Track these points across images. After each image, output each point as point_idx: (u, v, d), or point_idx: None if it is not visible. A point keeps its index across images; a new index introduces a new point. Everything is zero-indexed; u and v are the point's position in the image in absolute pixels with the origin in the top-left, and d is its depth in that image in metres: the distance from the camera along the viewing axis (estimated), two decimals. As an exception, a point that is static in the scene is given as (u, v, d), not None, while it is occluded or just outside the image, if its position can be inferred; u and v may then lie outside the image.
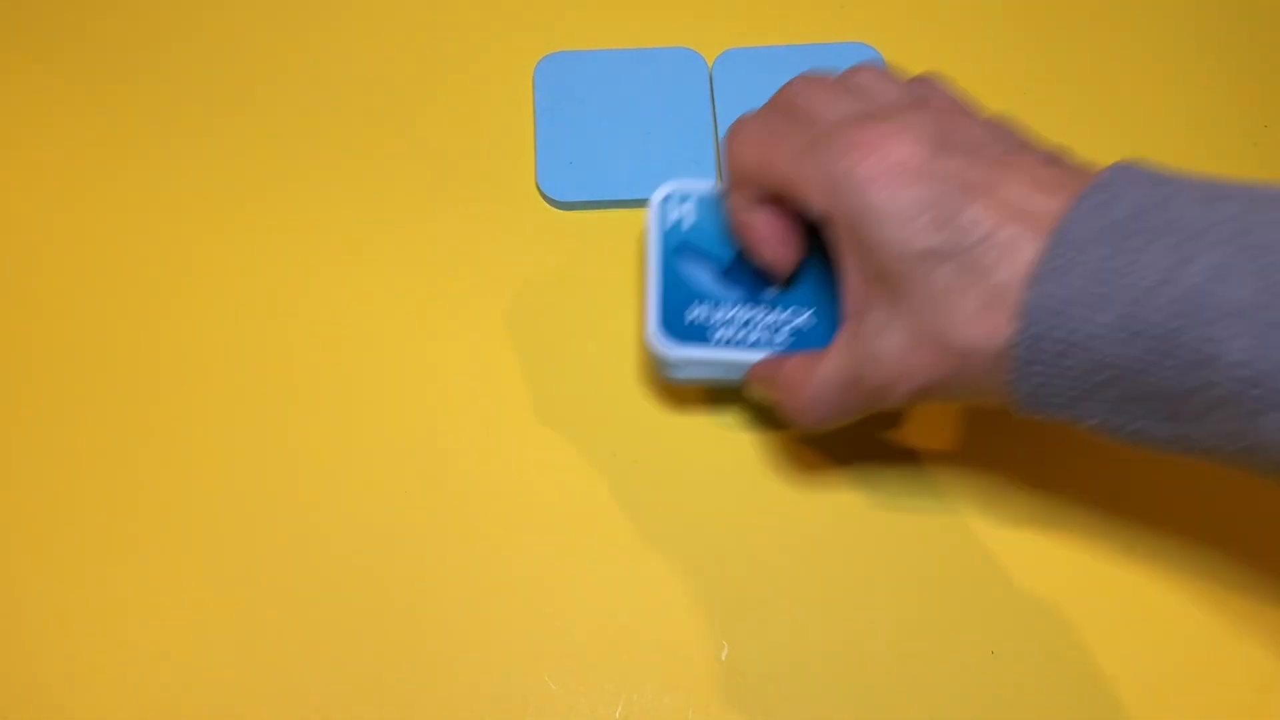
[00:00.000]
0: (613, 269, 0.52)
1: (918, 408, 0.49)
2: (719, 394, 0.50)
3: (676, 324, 0.45)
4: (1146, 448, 0.38)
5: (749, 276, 0.46)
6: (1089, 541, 0.47)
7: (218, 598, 0.46)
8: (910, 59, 0.55)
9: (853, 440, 0.49)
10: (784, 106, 0.43)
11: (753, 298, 0.46)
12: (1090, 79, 0.56)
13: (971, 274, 0.37)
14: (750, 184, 0.43)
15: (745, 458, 0.49)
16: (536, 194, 0.53)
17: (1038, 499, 0.48)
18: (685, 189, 0.48)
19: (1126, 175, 0.37)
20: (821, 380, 0.42)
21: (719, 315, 0.45)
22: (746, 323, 0.45)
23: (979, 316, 0.37)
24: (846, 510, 0.48)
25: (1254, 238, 0.34)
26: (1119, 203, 0.36)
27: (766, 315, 0.45)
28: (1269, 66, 0.56)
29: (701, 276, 0.46)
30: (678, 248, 0.47)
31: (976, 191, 0.38)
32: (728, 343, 0.45)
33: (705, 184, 0.48)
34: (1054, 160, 0.40)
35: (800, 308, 0.45)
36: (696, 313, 0.46)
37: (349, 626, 0.46)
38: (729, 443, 0.49)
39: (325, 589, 0.46)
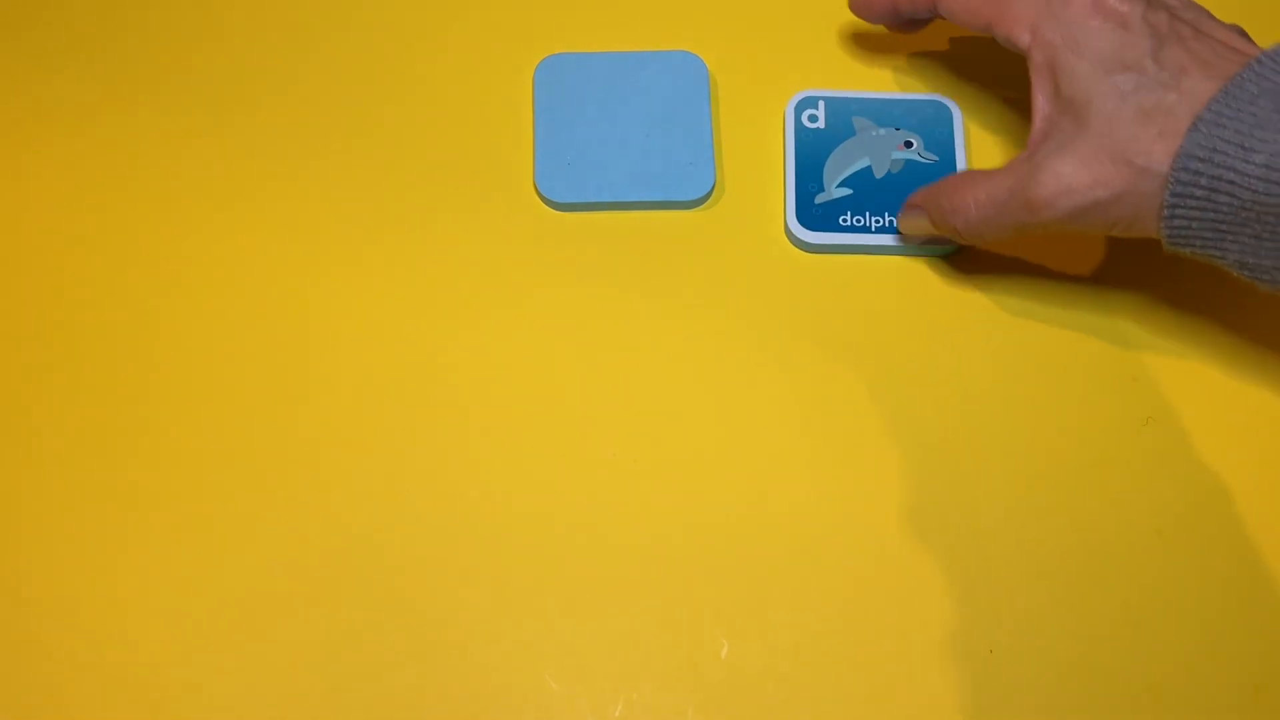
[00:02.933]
0: (609, 270, 0.52)
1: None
2: (719, 394, 0.50)
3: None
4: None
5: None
6: (1086, 545, 0.48)
7: (218, 598, 0.46)
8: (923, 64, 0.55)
9: (852, 441, 0.49)
10: None
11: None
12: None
13: (1159, 104, 0.42)
14: (952, 13, 0.49)
15: (745, 457, 0.49)
16: (534, 195, 0.53)
17: (1034, 497, 0.48)
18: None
19: None
20: (990, 188, 0.46)
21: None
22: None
23: (1154, 142, 0.42)
24: (847, 510, 0.48)
25: None
26: None
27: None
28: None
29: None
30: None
31: (1174, 39, 0.43)
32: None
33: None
34: (1240, 33, 0.45)
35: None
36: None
37: (349, 626, 0.46)
38: (729, 443, 0.49)
39: (325, 589, 0.46)
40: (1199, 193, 0.42)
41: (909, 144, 0.53)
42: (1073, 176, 0.44)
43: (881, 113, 0.54)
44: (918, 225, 0.50)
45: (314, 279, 0.51)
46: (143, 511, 0.48)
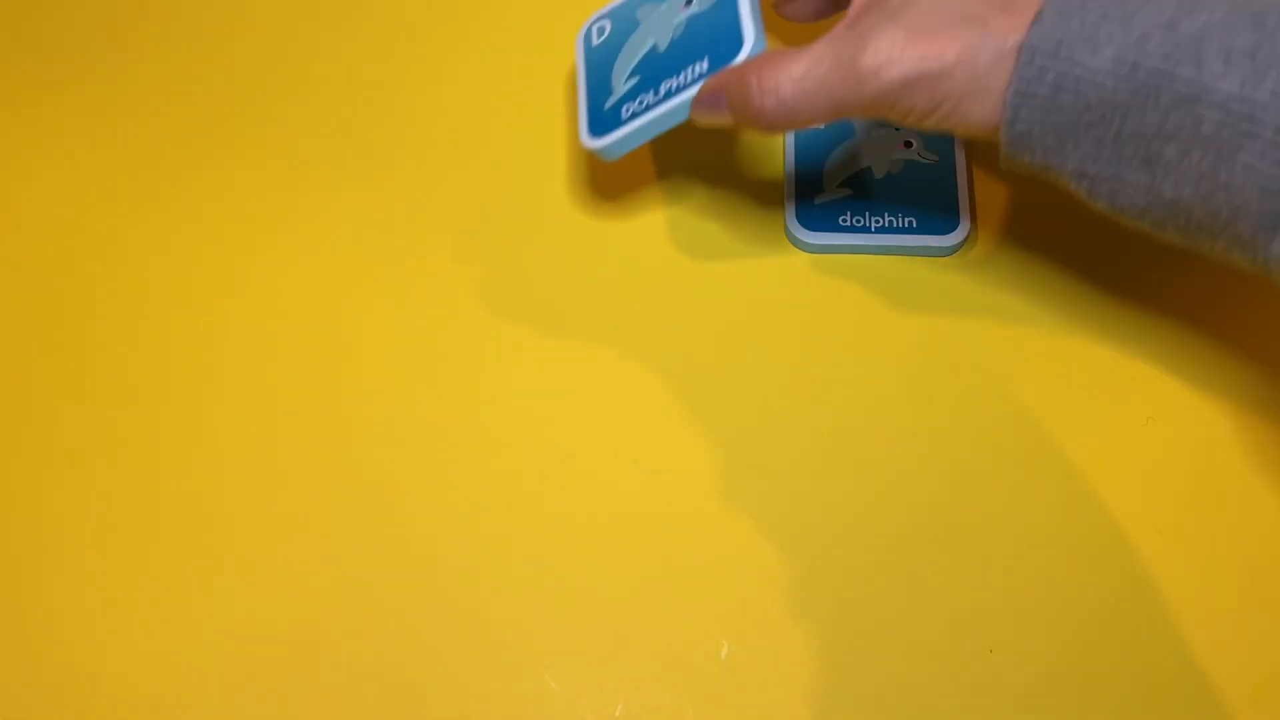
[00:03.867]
0: (628, 268, 0.52)
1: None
2: (718, 393, 0.50)
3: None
4: (1117, 213, 0.40)
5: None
6: (1087, 544, 0.48)
7: (218, 598, 0.46)
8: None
9: (852, 442, 0.49)
10: None
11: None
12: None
13: None
14: None
15: (745, 457, 0.49)
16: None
17: (1034, 497, 0.48)
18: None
19: None
20: (809, 61, 0.42)
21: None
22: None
23: (997, 16, 0.39)
24: (847, 510, 0.48)
25: (1251, 3, 0.36)
26: None
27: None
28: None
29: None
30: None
31: None
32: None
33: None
34: None
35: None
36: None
37: (349, 627, 0.46)
38: (729, 442, 0.49)
39: (325, 589, 0.47)
40: (1043, 90, 0.38)
41: (909, 144, 0.53)
42: (901, 44, 0.40)
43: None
44: (716, 117, 0.45)
45: (317, 286, 0.52)
46: (143, 512, 0.48)
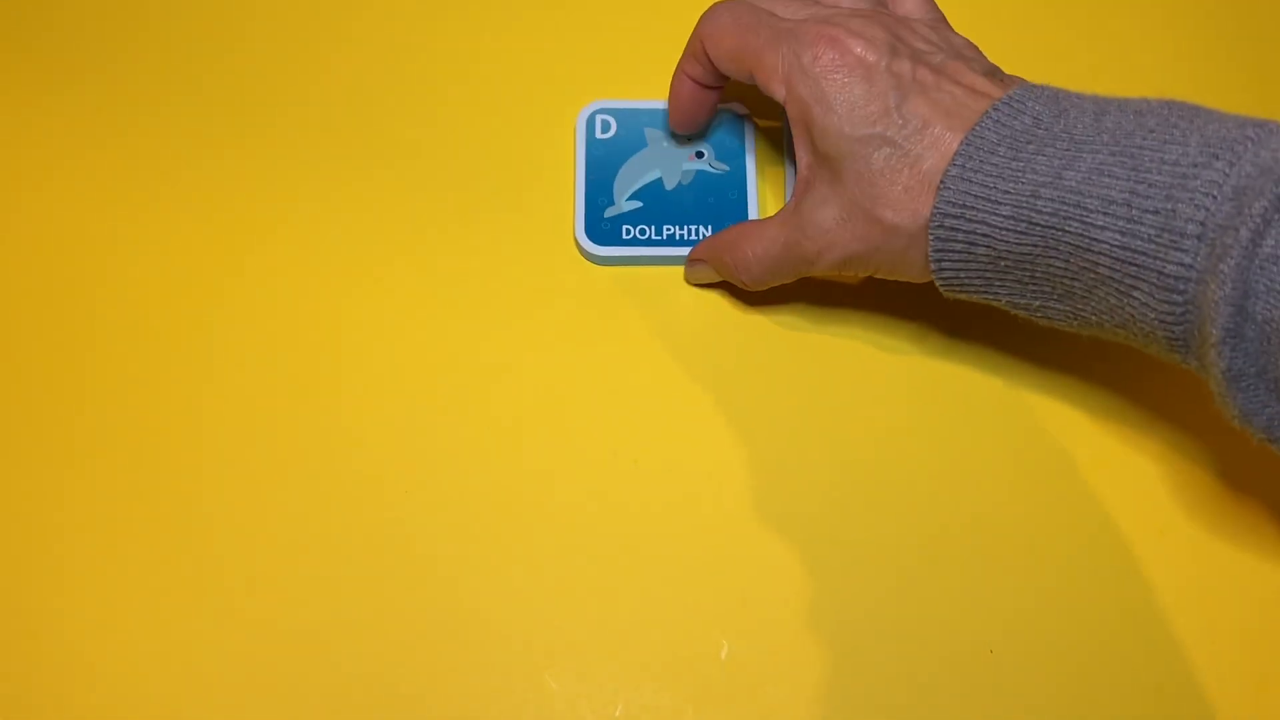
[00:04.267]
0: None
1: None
2: (717, 395, 0.50)
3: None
4: (1054, 324, 0.44)
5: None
6: (1087, 544, 0.48)
7: (218, 598, 0.46)
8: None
9: (851, 443, 0.49)
10: (749, 3, 0.48)
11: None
12: (1082, 77, 0.56)
13: (904, 159, 0.43)
14: (717, 61, 0.48)
15: (745, 457, 0.49)
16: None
17: (1033, 497, 0.48)
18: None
19: (1033, 92, 0.43)
20: (766, 241, 0.48)
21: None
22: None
23: (905, 198, 0.43)
24: (847, 510, 0.48)
25: (1129, 143, 0.40)
26: (1023, 114, 0.42)
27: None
28: (1265, 66, 0.56)
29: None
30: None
31: (917, 90, 0.44)
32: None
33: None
34: (990, 71, 0.46)
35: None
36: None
37: (349, 626, 0.46)
38: (728, 442, 0.49)
39: (325, 589, 0.47)
40: (959, 246, 0.43)
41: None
42: (833, 232, 0.45)
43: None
44: (705, 276, 0.51)
45: (321, 287, 0.52)
46: (145, 510, 0.48)
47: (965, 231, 0.42)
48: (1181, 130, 0.39)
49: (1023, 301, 0.44)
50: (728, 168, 0.53)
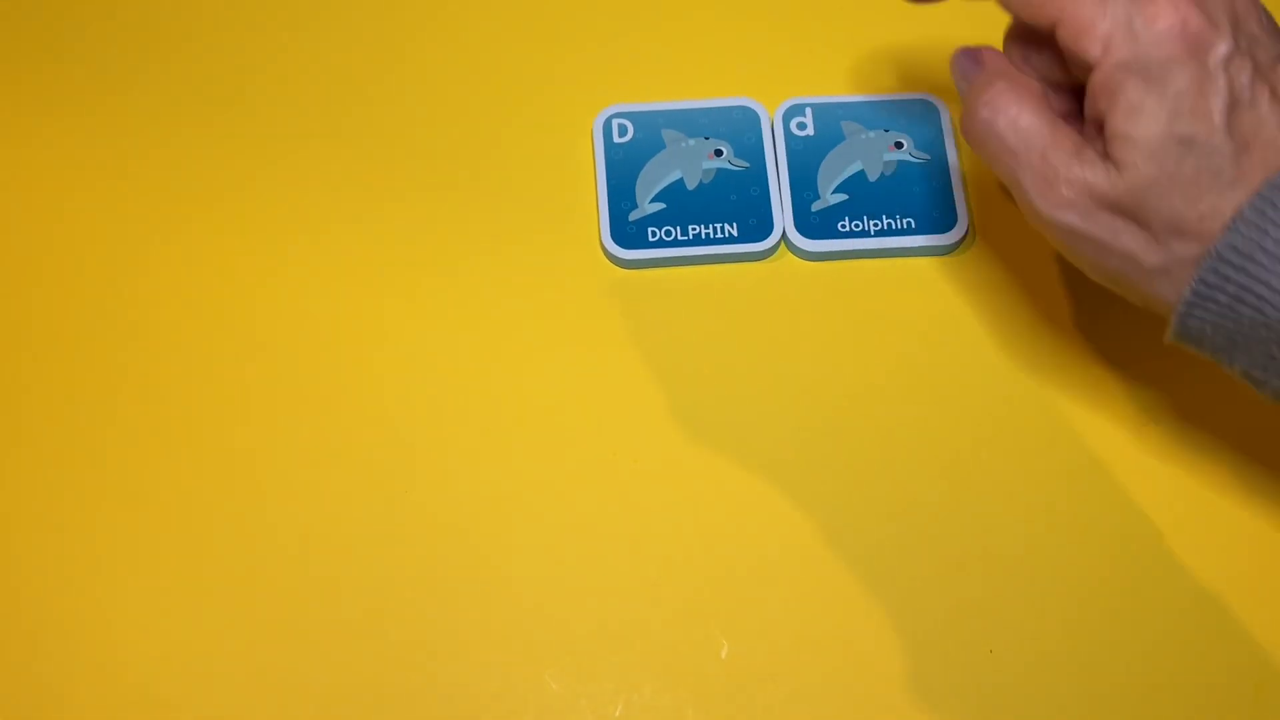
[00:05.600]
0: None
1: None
2: (717, 395, 0.50)
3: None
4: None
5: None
6: (1087, 543, 0.48)
7: (218, 597, 0.46)
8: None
9: (853, 443, 0.49)
10: None
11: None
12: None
13: (1215, 180, 0.38)
14: (1028, 13, 0.41)
15: (745, 458, 0.49)
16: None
17: (1035, 502, 0.48)
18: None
19: None
20: (1030, 129, 0.41)
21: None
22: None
23: (1197, 222, 0.38)
24: (847, 510, 0.48)
25: None
26: None
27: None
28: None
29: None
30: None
31: (1247, 104, 0.38)
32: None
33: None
34: None
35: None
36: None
37: (349, 626, 0.46)
38: (729, 444, 0.49)
39: (325, 589, 0.47)
40: (1223, 298, 0.37)
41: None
42: (1090, 203, 0.39)
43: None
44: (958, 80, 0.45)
45: (323, 288, 0.52)
46: (146, 511, 0.48)
47: (1238, 285, 0.37)
48: None
49: (1261, 376, 0.38)
50: (748, 164, 0.53)
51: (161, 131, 0.54)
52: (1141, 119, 0.38)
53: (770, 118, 0.54)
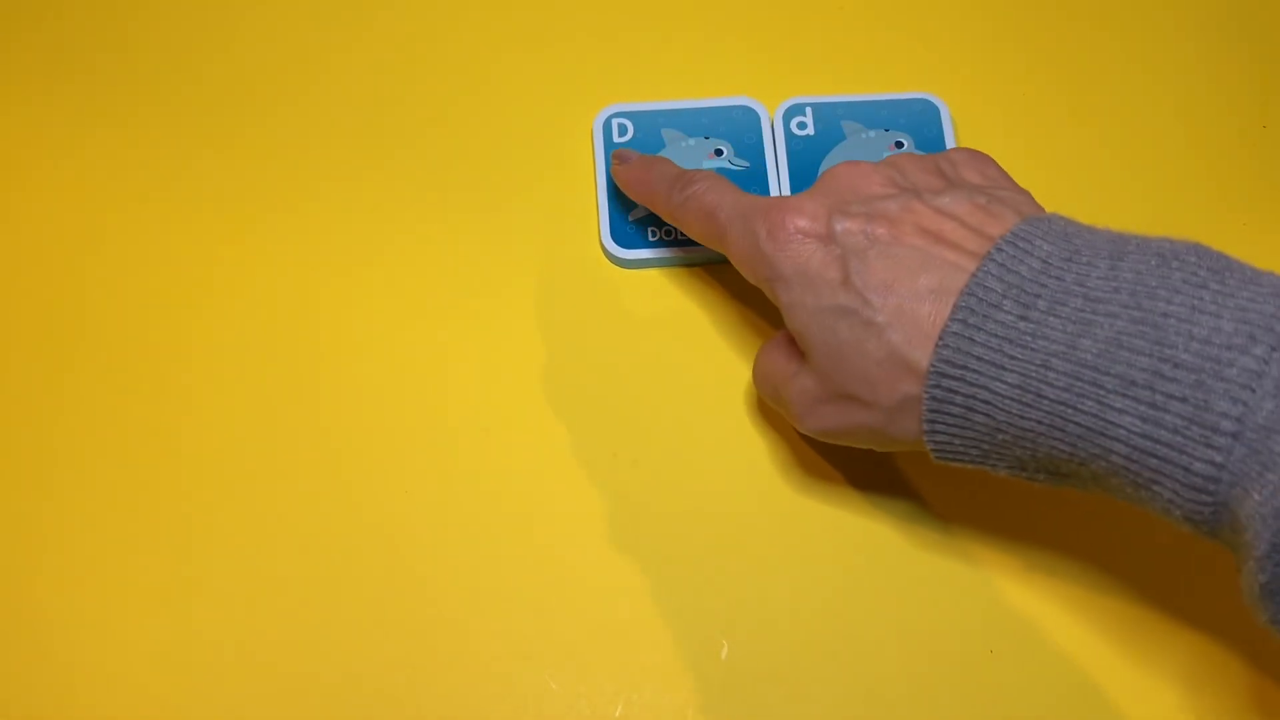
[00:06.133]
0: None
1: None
2: (717, 395, 0.50)
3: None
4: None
5: None
6: (1087, 543, 0.48)
7: (218, 597, 0.46)
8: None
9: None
10: (718, 180, 0.46)
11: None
12: (1086, 80, 0.56)
13: (869, 330, 0.40)
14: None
15: (746, 459, 0.49)
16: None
17: (1035, 500, 0.48)
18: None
19: (1040, 227, 0.39)
20: (771, 368, 0.45)
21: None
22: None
23: (879, 371, 0.40)
24: (847, 510, 0.48)
25: (1153, 307, 0.35)
26: (1030, 256, 0.38)
27: None
28: (1266, 67, 0.56)
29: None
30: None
31: (875, 250, 0.40)
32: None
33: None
34: (981, 206, 0.41)
35: None
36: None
37: (349, 626, 0.46)
38: (730, 444, 0.49)
39: (324, 589, 0.47)
40: (956, 410, 0.39)
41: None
42: (820, 416, 0.43)
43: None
44: None
45: (321, 288, 0.52)
46: (147, 511, 0.48)
47: (964, 395, 0.38)
48: (1212, 295, 0.35)
49: (1024, 475, 0.40)
50: (748, 164, 0.53)
51: (162, 132, 0.54)
52: (794, 313, 0.42)
53: (770, 118, 0.54)
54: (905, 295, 0.39)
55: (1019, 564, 0.47)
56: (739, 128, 0.54)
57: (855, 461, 0.49)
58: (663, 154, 0.53)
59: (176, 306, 0.51)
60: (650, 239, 0.51)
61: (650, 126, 0.54)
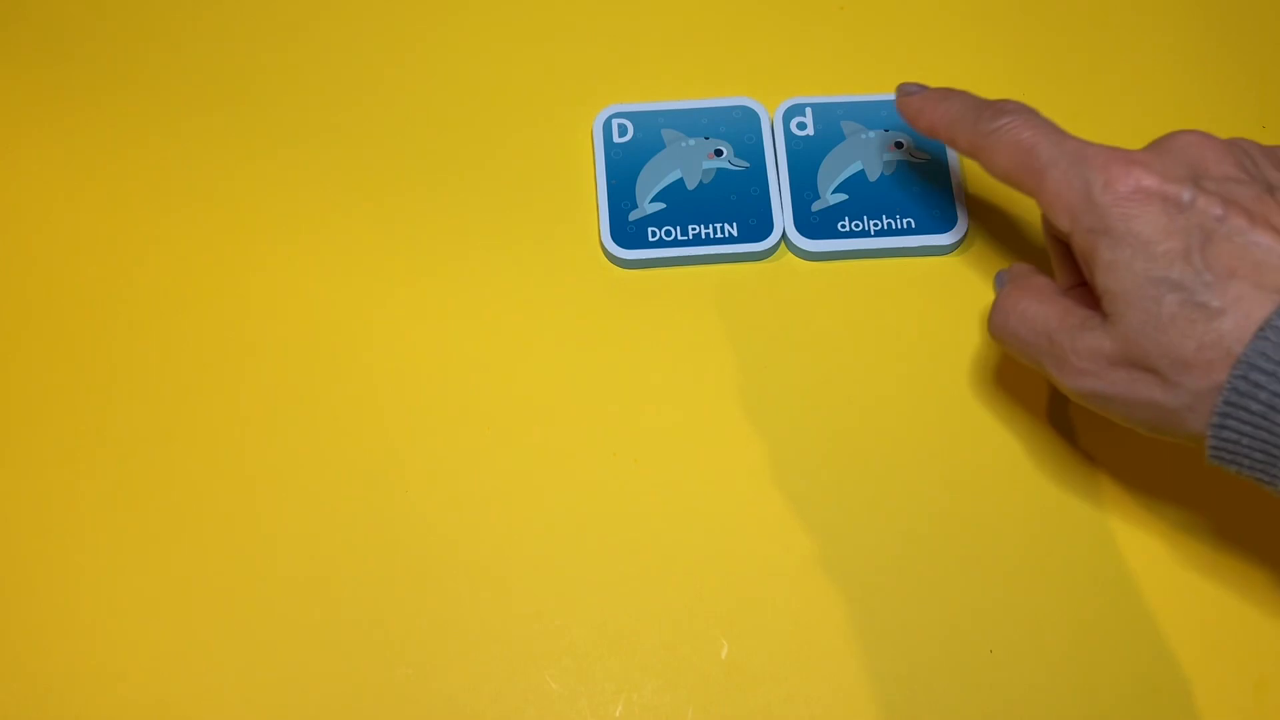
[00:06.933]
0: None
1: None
2: (717, 395, 0.50)
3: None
4: None
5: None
6: (1087, 544, 0.48)
7: (218, 597, 0.46)
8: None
9: (853, 443, 0.49)
10: (1034, 115, 0.44)
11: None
12: (1084, 80, 0.56)
13: (1200, 312, 0.38)
14: (991, 174, 0.44)
15: (746, 459, 0.49)
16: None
17: (1035, 502, 0.48)
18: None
19: None
20: (1037, 316, 0.43)
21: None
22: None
23: (1197, 355, 0.38)
24: (846, 510, 0.48)
25: None
26: None
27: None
28: (1264, 68, 0.56)
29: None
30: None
31: (1221, 236, 0.39)
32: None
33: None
34: None
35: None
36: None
37: (348, 627, 0.46)
38: (729, 444, 0.49)
39: (324, 589, 0.47)
40: (1255, 407, 0.37)
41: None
42: (1100, 365, 0.41)
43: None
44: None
45: (320, 287, 0.52)
46: (146, 512, 0.48)
47: (1270, 393, 0.37)
48: None
49: None
50: (748, 164, 0.53)
51: (163, 132, 0.54)
52: (1115, 273, 0.40)
53: (770, 118, 0.54)
54: (1248, 287, 0.38)
55: (1019, 564, 0.47)
56: (739, 128, 0.54)
57: (855, 461, 0.49)
58: (662, 155, 0.53)
59: (176, 306, 0.51)
60: (650, 239, 0.51)
61: (650, 126, 0.54)
